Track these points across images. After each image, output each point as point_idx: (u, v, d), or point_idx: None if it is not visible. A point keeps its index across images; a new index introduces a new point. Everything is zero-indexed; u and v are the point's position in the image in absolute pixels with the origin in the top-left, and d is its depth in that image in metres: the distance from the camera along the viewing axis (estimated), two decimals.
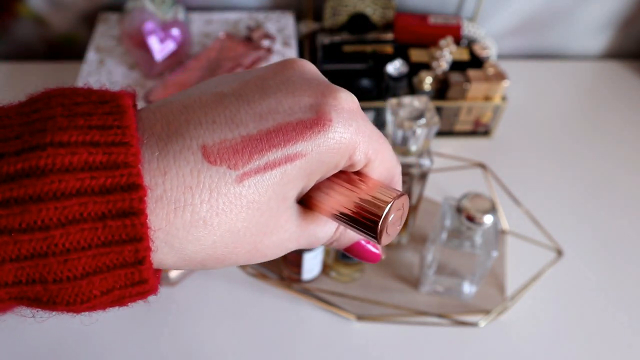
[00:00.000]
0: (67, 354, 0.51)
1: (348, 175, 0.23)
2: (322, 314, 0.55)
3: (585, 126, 0.79)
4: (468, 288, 0.56)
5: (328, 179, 0.23)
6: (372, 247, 0.27)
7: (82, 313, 0.20)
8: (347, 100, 0.22)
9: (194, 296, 0.56)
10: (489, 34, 0.85)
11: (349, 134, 0.21)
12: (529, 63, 0.88)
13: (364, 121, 0.22)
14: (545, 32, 0.87)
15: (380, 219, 0.22)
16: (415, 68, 0.72)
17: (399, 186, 0.26)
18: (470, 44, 0.77)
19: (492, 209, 0.49)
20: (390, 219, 0.22)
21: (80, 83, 0.67)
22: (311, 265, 0.54)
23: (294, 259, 0.53)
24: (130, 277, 0.19)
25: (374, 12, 0.77)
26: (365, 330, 0.54)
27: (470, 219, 0.49)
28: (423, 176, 0.55)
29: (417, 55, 0.74)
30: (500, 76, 0.69)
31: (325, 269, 0.58)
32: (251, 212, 0.20)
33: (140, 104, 0.66)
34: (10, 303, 0.19)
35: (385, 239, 0.23)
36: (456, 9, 0.83)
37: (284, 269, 0.57)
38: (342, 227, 0.25)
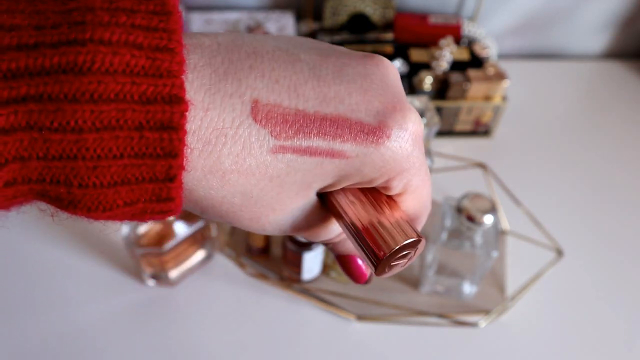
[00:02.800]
0: (67, 353, 0.51)
1: (378, 194, 0.22)
2: (322, 314, 0.55)
3: (586, 126, 0.79)
4: (468, 288, 0.56)
5: (357, 188, 0.22)
6: (363, 266, 0.25)
7: (101, 220, 0.19)
8: (414, 122, 0.20)
9: (194, 296, 0.56)
10: (489, 34, 0.85)
11: (400, 157, 0.20)
12: (529, 63, 0.88)
13: (420, 152, 0.21)
14: (545, 31, 0.87)
15: (388, 253, 0.20)
16: (415, 68, 0.72)
17: (419, 227, 0.25)
18: (470, 43, 0.77)
19: (492, 209, 0.49)
20: (397, 256, 0.21)
21: None
22: (311, 265, 0.54)
23: (294, 259, 0.53)
24: (157, 193, 0.17)
25: (374, 12, 0.77)
26: (365, 330, 0.54)
27: (471, 219, 0.49)
28: None
29: (417, 55, 0.74)
30: (500, 76, 0.69)
31: (325, 269, 0.58)
32: (271, 185, 0.19)
33: None
34: (31, 197, 0.17)
35: (383, 273, 0.22)
36: (456, 8, 0.83)
37: (284, 269, 0.57)
38: (343, 236, 0.24)
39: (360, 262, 0.25)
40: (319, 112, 0.19)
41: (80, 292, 0.55)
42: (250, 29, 0.74)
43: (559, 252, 0.60)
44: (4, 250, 0.58)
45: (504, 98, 0.71)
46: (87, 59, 0.15)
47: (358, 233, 0.21)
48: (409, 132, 0.20)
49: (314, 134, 0.19)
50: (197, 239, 0.55)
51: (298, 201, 0.20)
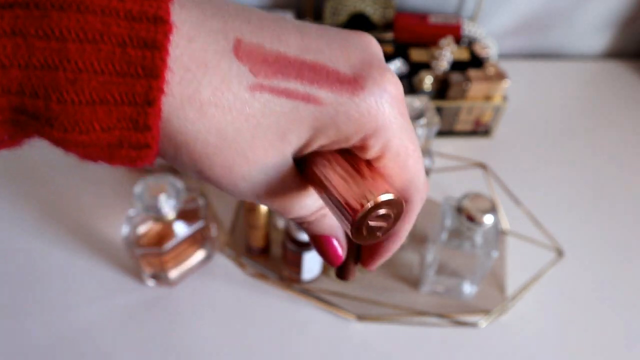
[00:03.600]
0: (67, 354, 0.51)
1: (357, 158, 0.22)
2: (322, 314, 0.55)
3: (586, 126, 0.79)
4: (468, 288, 0.56)
5: (334, 153, 0.22)
6: (338, 248, 0.25)
7: (74, 151, 0.18)
8: (392, 82, 0.21)
9: (194, 296, 0.56)
10: (489, 34, 0.85)
11: (376, 112, 0.20)
12: (530, 63, 0.88)
13: (400, 114, 0.21)
14: (545, 31, 0.87)
15: (363, 209, 0.20)
16: (416, 68, 0.72)
17: (413, 212, 0.24)
18: (470, 43, 0.77)
19: (493, 209, 0.49)
20: (374, 215, 0.20)
21: None
22: (311, 265, 0.54)
23: (294, 259, 0.53)
24: (135, 119, 0.18)
25: (374, 12, 0.77)
26: (365, 330, 0.54)
27: (471, 219, 0.49)
28: None
29: (417, 54, 0.74)
30: (500, 76, 0.69)
31: (325, 269, 0.58)
32: (247, 125, 0.19)
33: None
34: (7, 114, 0.17)
35: (361, 238, 0.21)
36: (456, 8, 0.83)
37: (284, 269, 0.57)
38: (319, 214, 0.24)
39: (335, 242, 0.25)
40: (299, 58, 0.19)
41: (80, 292, 0.55)
42: None
43: (559, 252, 0.60)
44: (4, 250, 0.58)
45: (504, 98, 0.71)
46: None
47: (333, 192, 0.21)
48: (385, 90, 0.20)
49: (292, 77, 0.19)
50: (197, 239, 0.55)
51: (273, 155, 0.20)
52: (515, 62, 0.87)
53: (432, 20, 0.77)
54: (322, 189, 0.21)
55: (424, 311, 0.55)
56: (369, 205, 0.20)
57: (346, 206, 0.20)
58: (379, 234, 0.22)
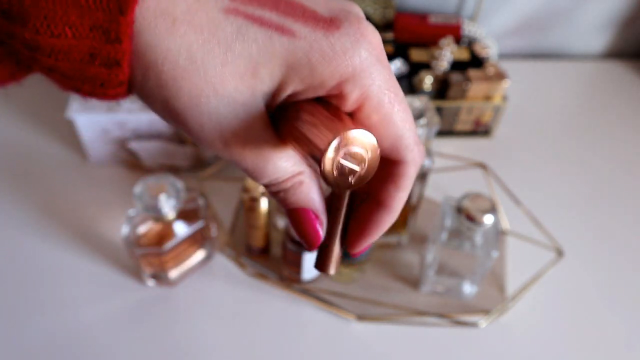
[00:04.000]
0: (68, 353, 0.51)
1: (336, 110, 0.20)
2: (322, 314, 0.55)
3: (586, 126, 0.79)
4: (468, 288, 0.56)
5: (311, 102, 0.20)
6: (317, 224, 0.23)
7: (46, 64, 0.18)
8: (369, 30, 0.20)
9: (194, 296, 0.56)
10: (489, 34, 0.85)
11: (351, 54, 0.19)
12: (530, 63, 0.88)
13: (379, 61, 0.20)
14: (545, 31, 0.87)
15: (327, 146, 0.18)
16: (416, 68, 0.72)
17: (406, 177, 0.22)
18: (470, 43, 0.77)
19: (492, 209, 0.49)
20: (346, 150, 0.19)
21: None
22: (311, 265, 0.54)
23: (294, 259, 0.53)
24: (107, 28, 0.17)
25: (374, 12, 0.77)
26: (365, 330, 0.54)
27: (471, 219, 0.49)
28: (423, 176, 0.55)
29: (417, 55, 0.74)
30: (500, 76, 0.69)
31: None
32: (217, 50, 0.18)
33: None
34: None
35: (332, 180, 0.19)
36: (456, 8, 0.83)
37: (284, 269, 0.57)
38: (296, 180, 0.22)
39: (313, 216, 0.23)
40: None
41: (80, 292, 0.55)
42: None
43: (559, 252, 0.60)
44: (4, 250, 0.58)
45: (504, 98, 0.71)
46: None
47: (304, 135, 0.20)
48: (362, 35, 0.19)
49: (267, 7, 0.19)
50: (197, 239, 0.55)
51: (243, 90, 0.19)
52: (515, 62, 0.87)
53: (432, 20, 0.77)
54: (294, 137, 0.20)
55: (424, 311, 0.55)
56: (337, 138, 0.18)
57: (314, 141, 0.19)
58: (351, 179, 0.20)
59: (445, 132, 0.74)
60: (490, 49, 0.75)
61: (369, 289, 0.57)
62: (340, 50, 0.19)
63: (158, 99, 0.19)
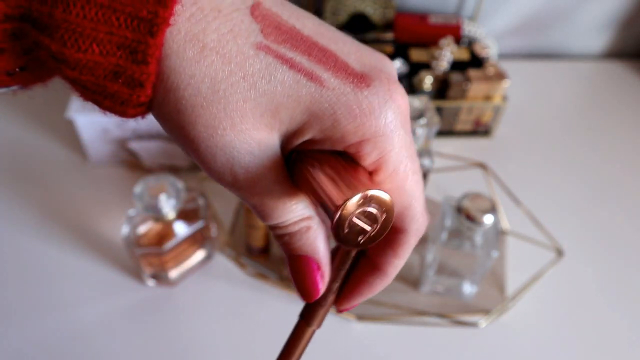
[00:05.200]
0: (67, 353, 0.51)
1: (351, 164, 0.20)
2: None
3: (586, 126, 0.79)
4: (468, 288, 0.56)
5: (327, 153, 0.20)
6: (318, 276, 0.22)
7: (70, 74, 0.18)
8: (400, 93, 0.20)
9: (194, 296, 0.56)
10: (489, 34, 0.85)
11: (377, 115, 0.19)
12: (530, 63, 0.88)
13: (404, 128, 0.20)
14: (545, 31, 0.87)
15: (344, 201, 0.18)
16: (416, 68, 0.72)
17: (406, 246, 0.22)
18: (470, 43, 0.77)
19: (492, 209, 0.49)
20: (360, 211, 0.18)
21: None
22: None
23: None
24: (135, 47, 0.17)
25: (374, 12, 0.77)
26: (365, 330, 0.54)
27: (471, 219, 0.49)
28: (423, 176, 0.55)
29: (417, 55, 0.74)
30: (500, 76, 0.69)
31: None
32: (242, 85, 0.18)
33: None
34: (16, 22, 0.17)
35: (341, 237, 0.19)
36: (456, 8, 0.83)
37: (284, 269, 0.57)
38: (303, 225, 0.21)
39: (315, 267, 0.22)
40: (312, 38, 0.19)
41: (80, 292, 0.55)
42: None
43: (559, 252, 0.60)
44: (4, 250, 0.58)
45: (504, 98, 0.71)
46: None
47: (319, 186, 0.19)
48: (392, 97, 0.19)
49: (300, 50, 0.19)
50: (197, 239, 0.55)
51: (261, 129, 0.19)
52: (515, 62, 0.87)
53: (432, 20, 0.77)
54: (309, 185, 0.19)
55: (424, 311, 0.55)
56: (356, 195, 0.18)
57: (330, 195, 0.19)
58: (361, 238, 0.19)
59: (445, 132, 0.74)
60: (490, 49, 0.75)
61: None
62: (367, 108, 0.19)
63: (174, 124, 0.19)
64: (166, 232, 0.52)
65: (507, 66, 0.83)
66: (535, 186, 0.69)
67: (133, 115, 0.19)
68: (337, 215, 0.18)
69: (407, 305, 0.55)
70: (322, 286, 0.22)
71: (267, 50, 0.18)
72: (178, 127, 0.19)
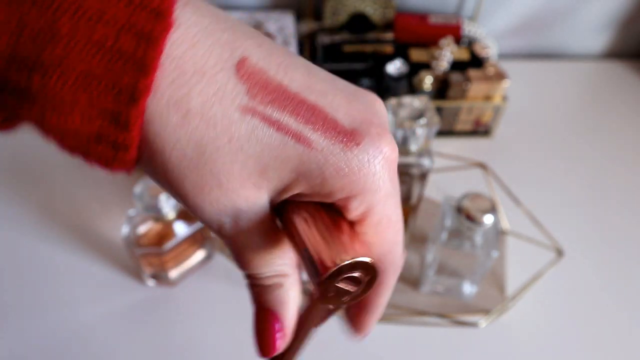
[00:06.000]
0: (67, 354, 0.51)
1: (337, 216, 0.20)
2: None
3: (586, 126, 0.79)
4: (468, 288, 0.56)
5: (315, 205, 0.20)
6: (278, 334, 0.22)
7: (52, 137, 0.17)
8: (388, 143, 0.19)
9: (194, 296, 0.56)
10: (489, 34, 0.85)
11: (366, 172, 0.19)
12: (530, 63, 0.88)
13: (390, 179, 0.20)
14: (545, 31, 0.87)
15: (335, 266, 0.18)
16: (416, 68, 0.72)
17: (386, 286, 0.23)
18: (470, 43, 0.77)
19: (493, 209, 0.49)
20: (345, 276, 0.19)
21: None
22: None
23: None
24: (116, 113, 0.17)
25: (374, 12, 0.77)
26: None
27: (471, 219, 0.49)
28: (423, 176, 0.55)
29: (417, 55, 0.74)
30: (500, 76, 0.69)
31: None
32: (229, 147, 0.18)
33: None
34: None
35: (326, 299, 0.20)
36: (456, 8, 0.83)
37: None
38: (277, 280, 0.21)
39: (277, 326, 0.22)
40: (300, 95, 0.18)
41: (80, 292, 0.55)
42: None
43: (559, 252, 0.60)
44: (4, 250, 0.58)
45: (504, 98, 0.71)
46: None
47: (307, 244, 0.19)
48: (381, 151, 0.19)
49: (287, 111, 0.18)
50: (197, 239, 0.55)
51: (248, 187, 0.19)
52: (515, 62, 0.87)
53: (432, 20, 0.77)
54: (296, 238, 0.20)
55: (424, 311, 0.55)
56: (344, 263, 0.18)
57: (318, 260, 0.19)
58: (345, 298, 0.20)
59: (445, 132, 0.74)
60: (490, 49, 0.75)
61: None
62: (356, 167, 0.19)
63: (161, 179, 0.19)
64: (166, 232, 0.52)
65: (507, 66, 0.83)
66: (535, 186, 0.69)
67: (119, 171, 0.19)
68: (324, 279, 0.18)
69: (407, 305, 0.55)
70: (280, 345, 0.22)
71: (254, 113, 0.18)
72: (166, 182, 0.19)
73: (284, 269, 0.21)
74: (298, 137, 0.18)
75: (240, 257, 0.21)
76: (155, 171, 0.19)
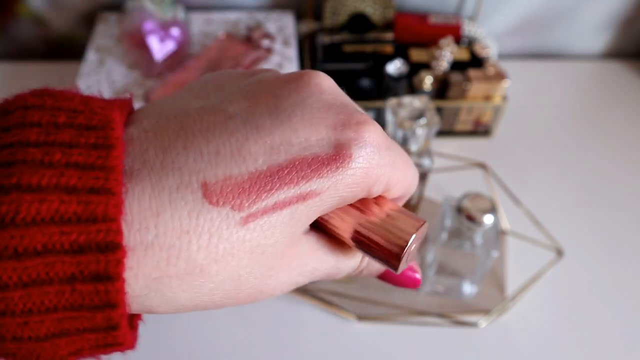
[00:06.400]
0: None
1: (364, 200, 0.21)
2: (322, 314, 0.55)
3: (586, 126, 0.79)
4: (468, 288, 0.56)
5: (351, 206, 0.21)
6: (410, 272, 0.24)
7: None
8: (370, 132, 0.19)
9: None
10: (489, 34, 0.85)
11: (370, 168, 0.19)
12: (530, 63, 0.88)
13: (388, 151, 0.20)
14: (545, 31, 0.87)
15: (403, 251, 0.20)
16: (416, 68, 0.72)
17: (410, 192, 0.24)
18: (470, 43, 0.77)
19: (493, 209, 0.49)
20: (412, 249, 0.21)
21: (79, 83, 0.67)
22: None
23: None
24: (102, 340, 0.16)
25: (374, 12, 0.77)
26: (365, 330, 0.54)
27: (471, 219, 0.49)
28: (423, 176, 0.55)
29: (417, 55, 0.74)
30: (500, 76, 0.69)
31: None
32: (255, 256, 0.18)
33: (140, 106, 0.66)
34: None
35: (402, 267, 0.21)
36: (456, 8, 0.83)
37: None
38: (363, 260, 0.23)
39: (407, 269, 0.24)
40: (273, 165, 0.17)
41: None
42: (251, 29, 0.74)
43: (559, 252, 0.60)
44: None
45: (504, 98, 0.71)
46: (11, 209, 0.14)
47: (366, 245, 0.21)
48: (368, 143, 0.19)
49: (276, 189, 0.17)
50: None
51: (289, 253, 0.19)
52: (515, 62, 0.87)
53: (432, 20, 0.77)
54: (352, 242, 0.21)
55: (424, 311, 0.55)
56: (409, 243, 0.20)
57: (385, 257, 0.20)
58: (414, 256, 0.22)
59: (445, 132, 0.74)
60: (490, 49, 0.75)
61: (369, 289, 0.57)
62: (361, 172, 0.19)
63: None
64: None
65: (507, 66, 0.83)
66: (535, 186, 0.69)
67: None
68: (400, 268, 0.21)
69: (407, 305, 0.55)
70: (418, 274, 0.24)
71: (252, 218, 0.17)
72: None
73: (357, 256, 0.23)
74: (303, 198, 0.18)
75: (332, 276, 0.22)
76: (210, 309, 0.19)
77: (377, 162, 0.19)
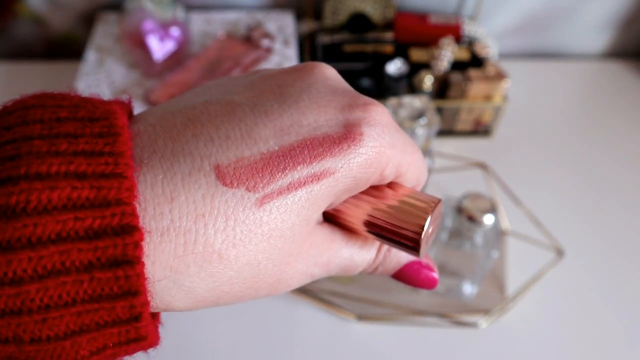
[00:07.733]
0: None
1: (376, 186, 0.21)
2: (322, 314, 0.55)
3: (587, 126, 0.79)
4: (468, 288, 0.56)
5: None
6: (427, 271, 0.23)
7: None
8: (378, 112, 0.19)
9: None
10: (489, 33, 0.85)
11: (382, 148, 0.19)
12: (530, 62, 0.88)
13: (397, 132, 0.20)
14: (546, 31, 0.87)
15: (422, 230, 0.20)
16: (416, 67, 0.72)
17: (422, 187, 0.24)
18: (470, 43, 0.77)
19: (493, 209, 0.49)
20: (430, 230, 0.20)
21: (79, 83, 0.67)
22: None
23: None
24: (124, 335, 0.16)
25: (374, 12, 0.77)
26: (365, 330, 0.54)
27: (471, 219, 0.49)
28: None
29: (417, 54, 0.74)
30: (500, 76, 0.69)
31: None
32: (273, 240, 0.17)
33: (139, 106, 0.66)
34: None
35: (424, 251, 0.21)
36: (457, 8, 0.83)
37: None
38: (385, 249, 0.23)
39: (419, 267, 0.23)
40: (284, 146, 0.17)
41: None
42: (250, 29, 0.74)
43: (560, 252, 0.60)
44: None
45: (505, 98, 0.71)
46: (21, 199, 0.14)
47: (384, 230, 0.20)
48: (377, 122, 0.19)
49: (290, 168, 0.17)
50: None
51: (306, 241, 0.19)
52: (516, 62, 0.87)
53: (432, 20, 0.76)
54: (367, 231, 0.21)
55: (424, 311, 0.55)
56: (427, 222, 0.20)
57: (405, 234, 0.20)
58: (433, 237, 0.22)
59: (445, 132, 0.74)
60: (490, 49, 0.75)
61: (369, 289, 0.57)
62: (374, 152, 0.19)
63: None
64: None
65: (507, 66, 0.83)
66: (535, 186, 0.69)
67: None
68: (421, 252, 0.20)
69: (407, 305, 0.55)
70: (435, 273, 0.24)
71: (268, 199, 0.17)
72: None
73: (369, 241, 0.22)
74: (317, 177, 0.18)
75: (348, 271, 0.22)
76: (229, 304, 0.19)
77: (388, 142, 0.19)
